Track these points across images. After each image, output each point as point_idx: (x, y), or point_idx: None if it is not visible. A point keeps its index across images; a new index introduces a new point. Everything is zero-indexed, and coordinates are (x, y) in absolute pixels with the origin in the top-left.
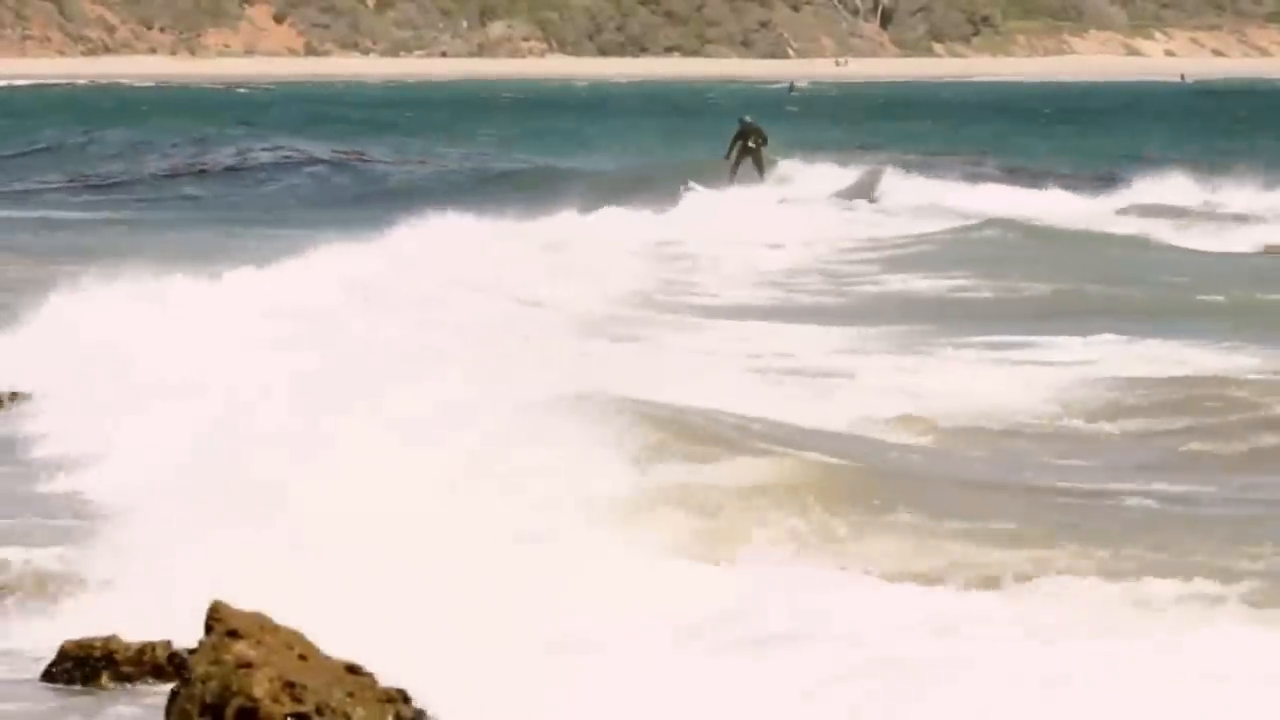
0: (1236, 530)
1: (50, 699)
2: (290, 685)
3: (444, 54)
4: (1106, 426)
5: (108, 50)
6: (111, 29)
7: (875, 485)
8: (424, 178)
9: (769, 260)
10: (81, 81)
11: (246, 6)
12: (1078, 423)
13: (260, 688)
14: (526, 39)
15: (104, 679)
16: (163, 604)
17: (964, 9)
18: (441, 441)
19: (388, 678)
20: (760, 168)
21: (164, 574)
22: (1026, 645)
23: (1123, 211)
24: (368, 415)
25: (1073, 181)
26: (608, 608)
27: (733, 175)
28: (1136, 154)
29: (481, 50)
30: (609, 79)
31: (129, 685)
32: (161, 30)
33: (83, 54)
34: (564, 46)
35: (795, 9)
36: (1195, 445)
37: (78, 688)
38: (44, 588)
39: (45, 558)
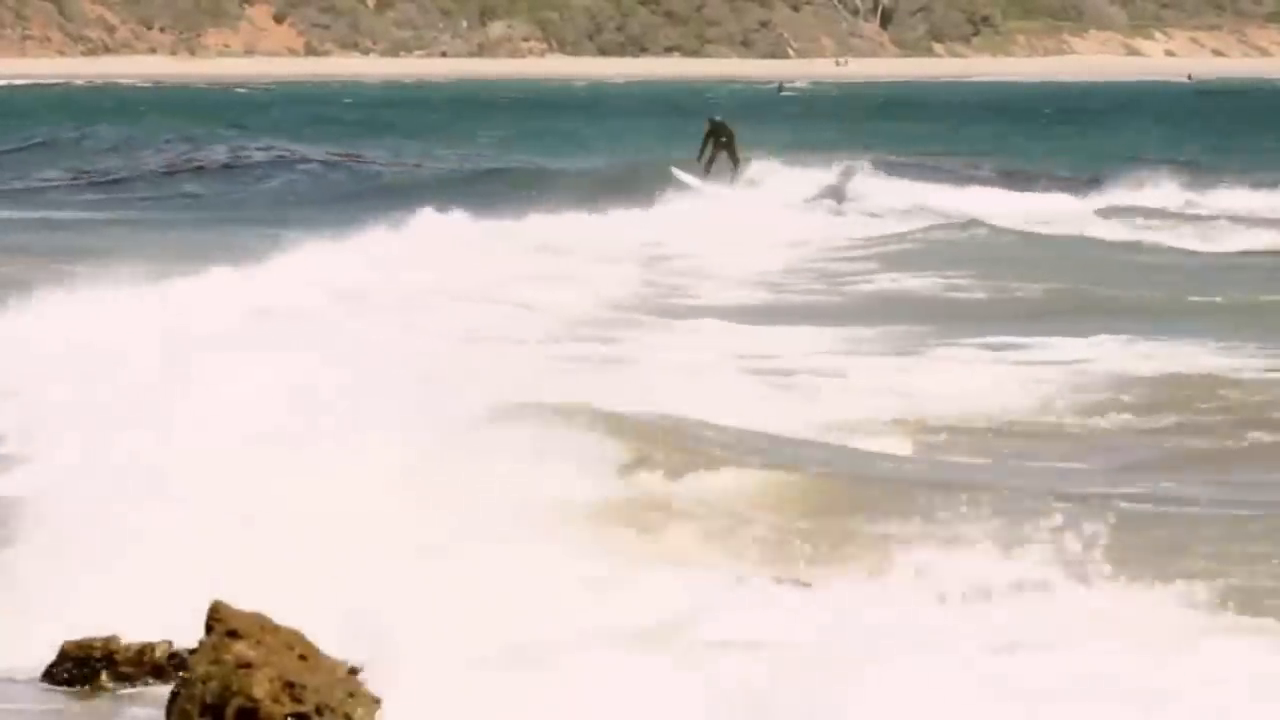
0: (1230, 529)
1: (50, 699)
2: (290, 685)
3: (444, 54)
4: (1100, 425)
5: (108, 50)
6: (111, 29)
7: (856, 491)
8: (423, 177)
9: (747, 262)
10: (80, 81)
11: (246, 6)
12: (1070, 422)
13: (260, 688)
14: (526, 39)
15: (104, 679)
16: (163, 604)
17: (964, 9)
18: (404, 444)
19: None
20: (735, 162)
21: (164, 574)
22: (1018, 652)
23: (1116, 212)
24: (338, 418)
25: (1068, 184)
26: (567, 614)
27: (706, 173)
28: (1136, 155)
29: (481, 50)
30: (609, 79)
31: (129, 685)
32: (161, 30)
33: (83, 54)
34: (564, 46)
35: (795, 9)
36: (1188, 444)
37: (78, 688)
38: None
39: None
